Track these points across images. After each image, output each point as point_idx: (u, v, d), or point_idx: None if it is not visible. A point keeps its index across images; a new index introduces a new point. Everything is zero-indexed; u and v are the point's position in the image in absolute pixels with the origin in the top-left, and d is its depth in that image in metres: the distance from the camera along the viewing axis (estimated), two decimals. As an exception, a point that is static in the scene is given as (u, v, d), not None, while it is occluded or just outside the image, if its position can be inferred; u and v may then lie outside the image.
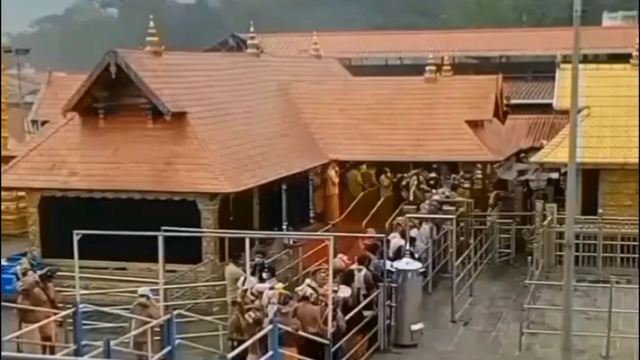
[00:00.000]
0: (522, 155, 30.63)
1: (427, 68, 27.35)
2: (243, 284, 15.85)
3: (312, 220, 25.02)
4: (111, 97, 20.73)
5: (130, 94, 20.49)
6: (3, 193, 26.61)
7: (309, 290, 14.17)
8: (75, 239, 15.26)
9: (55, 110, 25.86)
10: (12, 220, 27.26)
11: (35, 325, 14.44)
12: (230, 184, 19.58)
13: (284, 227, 22.68)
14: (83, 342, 14.77)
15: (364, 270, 16.09)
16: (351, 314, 14.84)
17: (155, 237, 15.81)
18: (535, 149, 27.40)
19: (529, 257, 19.67)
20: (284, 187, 22.87)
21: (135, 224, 17.01)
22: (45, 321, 14.49)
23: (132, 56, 20.66)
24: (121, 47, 20.88)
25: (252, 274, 16.01)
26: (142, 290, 15.08)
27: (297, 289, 14.65)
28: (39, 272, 15.68)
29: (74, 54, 72.71)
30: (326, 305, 14.15)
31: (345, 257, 16.53)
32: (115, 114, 20.80)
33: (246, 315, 14.15)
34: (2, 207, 27.24)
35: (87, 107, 20.78)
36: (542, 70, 39.91)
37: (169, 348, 13.96)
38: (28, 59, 35.26)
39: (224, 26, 66.49)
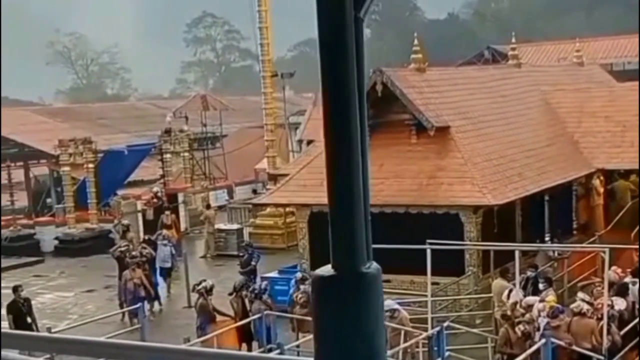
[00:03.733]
0: None
1: None
2: (508, 296, 15.75)
3: (575, 232, 24.27)
4: (377, 114, 21.33)
5: (395, 111, 21.03)
6: (271, 210, 28.23)
7: (585, 306, 13.81)
8: (346, 252, 15.95)
9: (320, 130, 27.04)
10: (279, 235, 28.67)
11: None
12: (493, 197, 19.48)
13: (547, 238, 22.23)
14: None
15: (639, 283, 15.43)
16: (627, 328, 14.29)
17: (418, 251, 16.13)
18: None
19: None
20: (546, 197, 22.41)
21: (399, 237, 17.41)
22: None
23: (397, 74, 21.27)
24: (379, 65, 21.50)
25: (523, 287, 15.84)
26: (387, 304, 15.39)
27: (572, 305, 14.31)
28: None
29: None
30: (600, 319, 13.73)
31: (618, 270, 15.93)
32: (381, 130, 21.36)
33: (516, 329, 14.05)
34: (271, 222, 28.87)
35: (353, 125, 21.47)
36: None
37: (439, 359, 14.18)
38: (288, 82, 37.14)
39: (476, 39, 66.16)
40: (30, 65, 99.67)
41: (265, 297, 16.51)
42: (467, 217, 19.68)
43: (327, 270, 2.00)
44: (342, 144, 1.98)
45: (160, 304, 21.41)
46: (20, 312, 17.22)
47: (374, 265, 2.02)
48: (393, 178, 20.66)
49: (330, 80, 2.00)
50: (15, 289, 17.66)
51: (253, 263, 21.35)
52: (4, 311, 19.79)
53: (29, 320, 17.22)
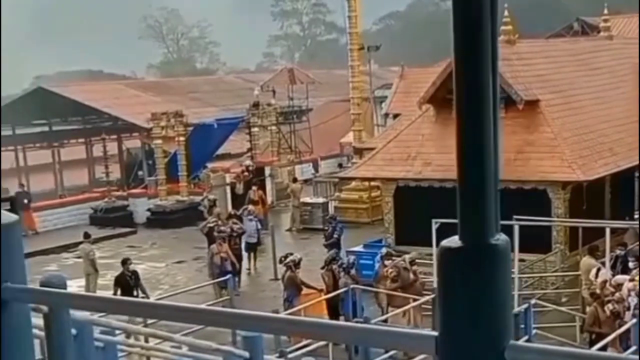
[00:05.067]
0: None
1: None
2: (596, 275, 15.55)
3: (665, 209, 23.67)
4: (465, 87, 21.09)
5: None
6: (356, 184, 28.36)
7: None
8: (434, 227, 15.99)
9: (407, 104, 27.00)
10: (364, 209, 28.77)
11: (401, 310, 15.30)
12: (583, 173, 19.19)
13: (637, 216, 21.75)
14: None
15: None
16: None
17: (504, 226, 15.84)
18: None
19: None
20: (637, 174, 21.91)
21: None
22: (409, 306, 15.24)
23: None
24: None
25: (612, 266, 15.61)
26: None
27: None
28: (408, 257, 16.50)
29: (415, 48, 74.86)
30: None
31: None
32: (467, 104, 21.16)
33: (605, 307, 13.88)
34: (356, 196, 29.00)
35: (441, 99, 21.22)
36: None
37: (526, 337, 14.12)
38: (373, 55, 37.00)
39: (564, 11, 64.59)
40: (124, 39, 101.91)
41: (352, 271, 16.69)
42: (554, 193, 19.44)
43: (454, 241, 1.94)
44: (475, 108, 1.93)
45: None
46: (128, 285, 17.54)
47: (503, 237, 1.92)
48: (480, 153, 20.47)
49: (462, 44, 1.94)
50: (124, 262, 17.94)
51: (335, 236, 21.59)
52: (99, 280, 20.59)
53: (135, 293, 17.50)
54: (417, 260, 16.55)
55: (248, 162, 31.87)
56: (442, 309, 1.93)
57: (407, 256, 16.60)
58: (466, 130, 1.94)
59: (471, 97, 1.92)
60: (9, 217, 2.12)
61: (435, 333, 1.93)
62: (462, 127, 1.94)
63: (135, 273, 18.02)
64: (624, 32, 38.46)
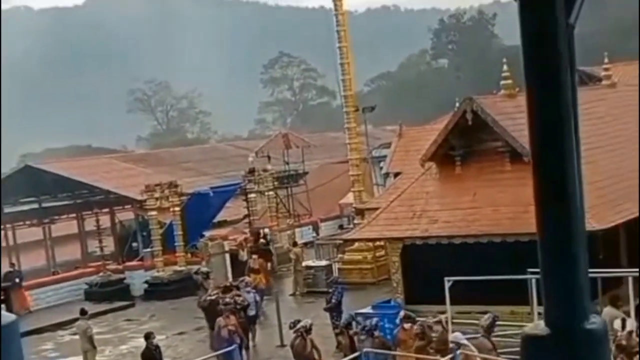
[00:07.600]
0: None
1: None
2: (622, 326, 14.85)
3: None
4: (467, 143, 20.88)
5: (487, 139, 20.58)
6: (359, 244, 27.72)
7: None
8: (447, 285, 15.37)
9: (407, 162, 26.57)
10: (368, 269, 28.17)
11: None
12: (597, 222, 18.56)
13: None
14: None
15: None
16: None
17: (517, 280, 15.44)
18: None
19: None
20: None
21: (496, 267, 16.85)
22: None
23: (487, 101, 20.87)
24: (459, 94, 21.09)
25: (637, 315, 14.94)
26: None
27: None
28: (444, 316, 15.87)
29: (408, 107, 75.11)
30: None
31: None
32: (472, 159, 20.89)
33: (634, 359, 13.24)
34: (360, 257, 28.32)
35: (443, 155, 21.06)
36: None
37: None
38: (367, 116, 36.98)
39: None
40: (111, 114, 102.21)
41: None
42: (567, 244, 18.79)
43: (539, 328, 1.69)
44: (554, 173, 1.89)
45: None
46: (155, 359, 17.18)
47: (599, 320, 1.68)
48: (488, 207, 19.98)
49: (539, 99, 1.70)
50: (147, 337, 17.51)
51: (334, 300, 20.95)
52: (98, 357, 19.68)
53: None
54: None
55: (267, 230, 31.46)
56: None
57: (442, 316, 15.95)
58: (546, 197, 1.97)
59: (548, 152, 1.99)
60: (7, 317, 1.99)
61: None
62: (541, 191, 2.00)
63: (158, 347, 17.58)
64: (624, 80, 38.23)
